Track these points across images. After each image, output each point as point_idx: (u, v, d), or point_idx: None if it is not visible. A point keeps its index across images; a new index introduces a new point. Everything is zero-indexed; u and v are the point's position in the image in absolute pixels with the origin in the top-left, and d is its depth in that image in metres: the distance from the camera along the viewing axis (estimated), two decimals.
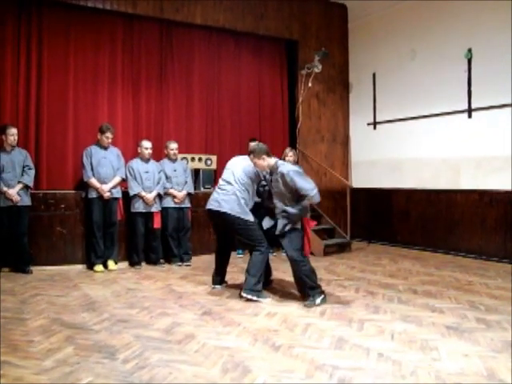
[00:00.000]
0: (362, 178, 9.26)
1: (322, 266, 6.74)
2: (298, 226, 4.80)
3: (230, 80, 8.51)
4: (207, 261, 6.70)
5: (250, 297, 4.81)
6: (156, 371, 3.11)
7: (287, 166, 4.82)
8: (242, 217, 4.92)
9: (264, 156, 4.87)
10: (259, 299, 4.81)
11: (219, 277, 5.42)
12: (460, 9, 7.56)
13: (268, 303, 4.78)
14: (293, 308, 4.61)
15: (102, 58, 7.38)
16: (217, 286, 5.39)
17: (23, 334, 3.84)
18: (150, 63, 7.78)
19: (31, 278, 5.90)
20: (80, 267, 6.60)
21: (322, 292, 4.80)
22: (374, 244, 8.84)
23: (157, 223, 6.81)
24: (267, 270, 5.30)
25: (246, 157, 5.20)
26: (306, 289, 4.75)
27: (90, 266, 6.51)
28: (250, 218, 4.97)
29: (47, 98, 6.96)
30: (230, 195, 4.97)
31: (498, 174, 7.01)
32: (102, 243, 6.55)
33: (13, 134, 6.14)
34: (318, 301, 4.69)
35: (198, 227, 7.43)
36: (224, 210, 4.93)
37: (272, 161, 4.89)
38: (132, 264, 6.79)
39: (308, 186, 4.62)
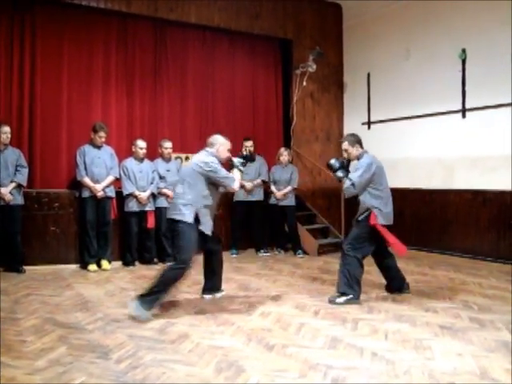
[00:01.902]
0: None
1: (316, 266, 6.76)
2: (372, 221, 4.73)
3: (224, 79, 8.48)
4: (200, 261, 6.66)
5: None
6: (149, 371, 3.10)
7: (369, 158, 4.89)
8: (179, 218, 4.40)
9: (357, 145, 4.94)
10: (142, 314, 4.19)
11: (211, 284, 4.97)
12: (454, 9, 7.57)
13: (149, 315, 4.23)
14: (286, 307, 4.62)
15: (95, 57, 7.35)
16: (206, 296, 4.97)
17: (16, 333, 3.81)
18: (144, 62, 7.74)
19: (24, 278, 5.87)
20: (73, 267, 6.57)
21: (355, 295, 4.68)
22: None
23: (150, 223, 6.80)
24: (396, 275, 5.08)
25: (201, 151, 4.81)
26: (342, 284, 4.70)
27: (84, 266, 6.49)
28: (187, 219, 4.37)
29: (41, 97, 6.93)
30: (176, 198, 4.56)
31: (491, 174, 7.03)
32: (96, 242, 6.53)
33: (5, 132, 6.09)
34: (341, 300, 4.66)
35: None
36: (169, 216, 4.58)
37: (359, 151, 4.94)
38: (126, 263, 6.76)
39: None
